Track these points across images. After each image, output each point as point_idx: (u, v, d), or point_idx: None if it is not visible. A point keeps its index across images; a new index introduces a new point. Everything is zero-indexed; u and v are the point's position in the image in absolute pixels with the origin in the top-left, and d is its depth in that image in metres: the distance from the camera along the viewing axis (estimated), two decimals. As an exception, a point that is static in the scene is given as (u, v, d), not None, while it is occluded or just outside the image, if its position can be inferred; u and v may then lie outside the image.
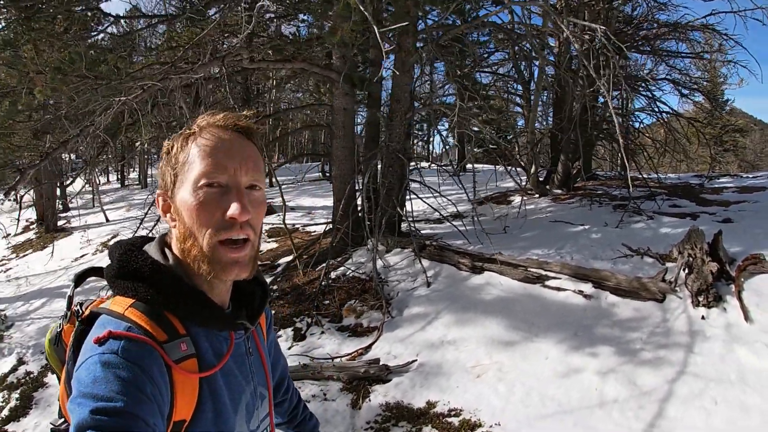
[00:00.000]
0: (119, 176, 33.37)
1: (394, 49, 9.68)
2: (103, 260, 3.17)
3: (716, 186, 12.65)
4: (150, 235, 6.78)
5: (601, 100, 11.65)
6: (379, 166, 9.80)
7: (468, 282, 7.76)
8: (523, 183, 12.17)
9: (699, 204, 10.24)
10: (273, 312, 7.96)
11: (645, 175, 12.56)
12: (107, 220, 18.83)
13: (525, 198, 11.15)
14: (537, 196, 12.20)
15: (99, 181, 29.65)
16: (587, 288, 6.85)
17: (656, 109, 13.66)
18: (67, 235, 17.73)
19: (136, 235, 6.77)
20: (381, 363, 6.33)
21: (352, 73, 9.97)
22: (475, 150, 13.73)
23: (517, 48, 11.42)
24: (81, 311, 1.25)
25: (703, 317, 5.92)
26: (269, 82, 19.58)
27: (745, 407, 4.69)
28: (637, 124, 15.40)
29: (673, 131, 14.57)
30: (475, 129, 10.97)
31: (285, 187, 21.09)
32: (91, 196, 23.06)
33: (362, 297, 8.11)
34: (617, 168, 15.00)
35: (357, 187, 9.85)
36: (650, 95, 13.70)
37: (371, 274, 8.33)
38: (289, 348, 7.19)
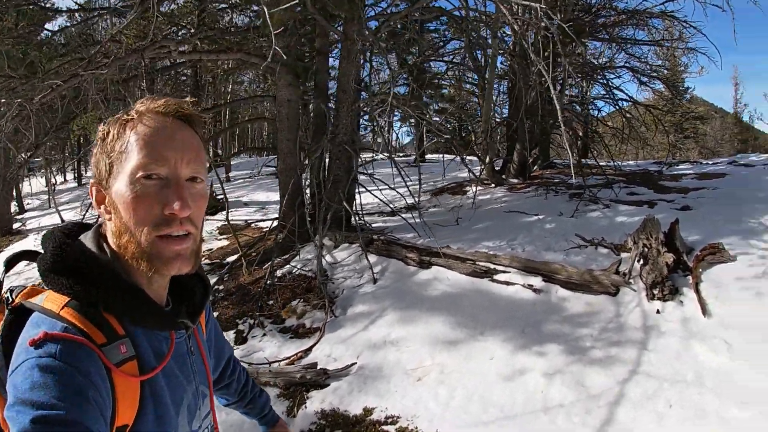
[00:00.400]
0: (76, 175, 32.39)
1: (340, 38, 9.26)
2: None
3: (675, 173, 12.42)
4: (86, 221, 6.19)
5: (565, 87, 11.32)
6: (327, 160, 9.36)
7: (415, 277, 7.33)
8: (479, 173, 11.77)
9: (657, 191, 9.95)
10: (216, 314, 7.53)
11: (603, 163, 12.31)
12: (62, 221, 17.96)
13: (480, 188, 10.80)
14: (493, 185, 11.82)
15: (55, 180, 28.86)
16: (537, 282, 6.45)
17: (614, 97, 13.42)
18: (22, 237, 16.98)
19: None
20: (319, 367, 5.86)
21: (295, 63, 9.50)
22: (432, 140, 13.35)
23: (473, 36, 11.03)
24: (11, 299, 1.16)
25: (658, 311, 5.55)
26: (218, 73, 19.06)
27: (701, 411, 4.30)
28: (596, 113, 15.23)
29: (632, 119, 14.37)
30: (434, 119, 10.58)
31: (241, 182, 20.67)
32: (47, 196, 22.29)
33: (306, 296, 7.67)
34: (575, 156, 14.73)
35: (306, 182, 9.38)
36: (607, 83, 13.48)
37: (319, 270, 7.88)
38: (230, 352, 6.69)
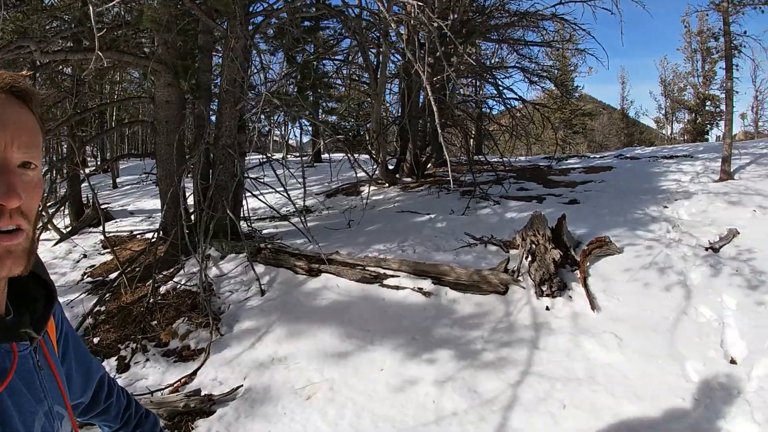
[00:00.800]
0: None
1: (222, 35, 8.74)
2: None
3: (564, 167, 12.68)
4: None
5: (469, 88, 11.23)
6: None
7: (304, 287, 6.92)
8: (372, 172, 11.53)
9: (546, 186, 10.06)
10: (97, 339, 6.84)
11: (496, 160, 12.37)
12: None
13: (374, 188, 10.57)
14: (387, 185, 11.61)
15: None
16: (427, 285, 6.21)
17: (504, 97, 13.55)
18: None
19: None
20: (204, 393, 5.35)
21: (175, 61, 8.89)
22: (326, 140, 12.97)
23: (359, 34, 10.75)
24: None
25: (547, 308, 5.46)
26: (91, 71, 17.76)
27: (595, 409, 4.18)
28: (489, 111, 15.37)
29: (525, 117, 14.58)
30: (331, 118, 10.22)
31: (128, 188, 19.46)
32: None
33: (191, 314, 7.05)
34: (470, 153, 14.78)
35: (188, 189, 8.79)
36: (496, 83, 13.59)
37: (205, 285, 7.30)
38: (112, 382, 6.02)
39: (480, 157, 13.56)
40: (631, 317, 5.14)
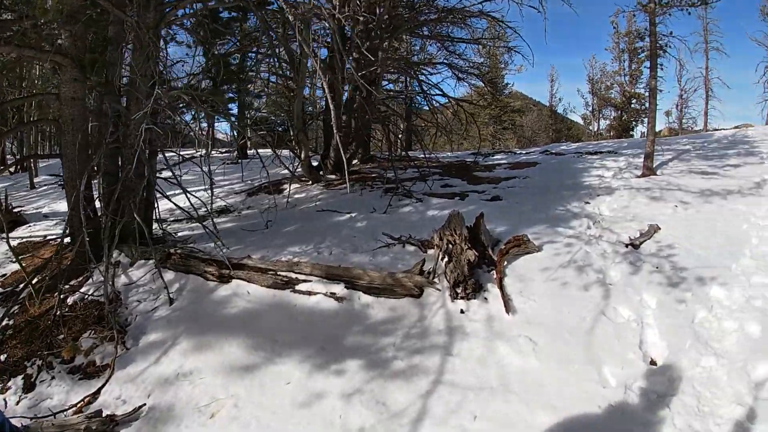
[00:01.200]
0: None
1: (132, 26, 8.17)
2: None
3: (490, 163, 12.61)
4: None
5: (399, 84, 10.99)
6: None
7: (213, 295, 6.48)
8: (295, 169, 11.09)
9: (470, 182, 9.91)
10: (4, 356, 6.24)
11: (423, 155, 12.16)
12: None
13: (296, 186, 10.23)
14: (310, 183, 11.20)
15: None
16: (339, 289, 5.87)
17: (431, 93, 13.35)
18: None
19: None
20: (107, 413, 4.91)
21: (82, 55, 8.28)
22: (250, 136, 12.45)
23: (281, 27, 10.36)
24: None
25: (462, 311, 5.25)
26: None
27: (508, 420, 3.97)
28: (419, 107, 15.20)
29: (454, 113, 14.44)
30: (260, 113, 9.77)
31: (45, 189, 18.41)
32: None
33: (98, 327, 6.51)
34: (393, 150, 14.51)
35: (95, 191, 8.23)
36: (417, 78, 13.36)
37: (111, 295, 6.76)
38: (17, 403, 5.47)
39: (409, 152, 13.35)
40: (547, 319, 4.98)
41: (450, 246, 5.74)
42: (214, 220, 8.51)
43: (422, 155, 12.38)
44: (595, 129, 30.67)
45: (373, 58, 10.97)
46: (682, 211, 7.76)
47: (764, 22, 23.58)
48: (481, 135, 16.05)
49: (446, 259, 5.69)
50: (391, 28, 11.45)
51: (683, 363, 4.38)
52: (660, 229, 7.07)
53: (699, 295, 5.30)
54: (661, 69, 21.40)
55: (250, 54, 13.11)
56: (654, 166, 10.43)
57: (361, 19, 10.98)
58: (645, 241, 6.71)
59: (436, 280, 5.66)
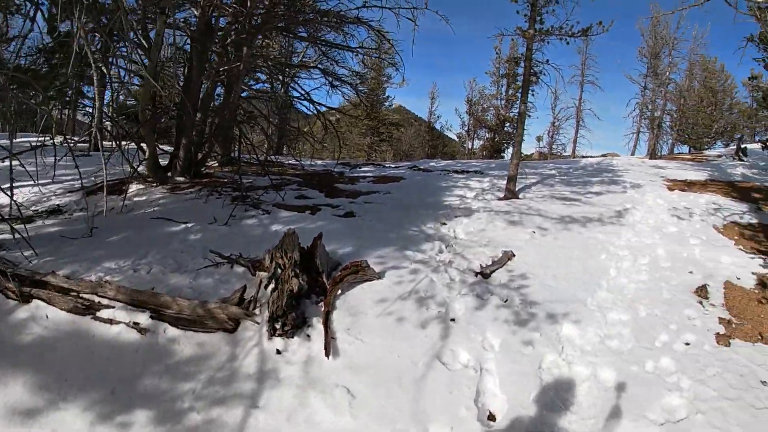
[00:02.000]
0: None
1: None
2: None
3: (357, 174, 12.07)
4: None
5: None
6: None
7: (11, 317, 5.21)
8: (138, 167, 9.94)
9: (329, 195, 9.27)
10: None
11: (294, 161, 11.44)
12: None
13: (140, 187, 9.17)
14: (155, 184, 10.01)
15: None
16: (144, 319, 4.93)
17: (294, 96, 12.68)
18: None
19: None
20: None
21: None
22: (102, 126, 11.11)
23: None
24: None
25: (278, 351, 4.52)
26: None
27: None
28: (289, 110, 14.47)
29: (323, 122, 13.81)
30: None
31: None
32: None
33: None
34: (265, 154, 13.63)
35: None
36: (285, 81, 12.69)
37: None
38: None
39: (278, 157, 12.59)
40: (373, 364, 4.35)
41: (279, 270, 5.00)
42: (44, 221, 7.40)
43: (292, 161, 11.66)
44: (470, 147, 31.25)
45: (238, 54, 10.15)
46: (540, 238, 7.54)
47: (641, 62, 25.00)
48: (356, 145, 15.54)
49: (272, 285, 4.95)
50: (259, 25, 10.61)
51: (525, 420, 3.93)
52: (514, 256, 6.77)
53: (549, 335, 4.92)
54: (533, 95, 22.07)
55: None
56: (517, 189, 10.31)
57: (230, 10, 10.12)
58: (497, 269, 6.35)
59: (257, 311, 4.90)
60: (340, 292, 5.07)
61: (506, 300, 5.53)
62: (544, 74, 11.31)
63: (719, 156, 19.39)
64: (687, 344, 4.99)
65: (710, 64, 28.40)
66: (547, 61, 11.15)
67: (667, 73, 21.88)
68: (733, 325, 5.40)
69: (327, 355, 4.35)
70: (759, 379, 4.44)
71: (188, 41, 10.92)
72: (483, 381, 4.30)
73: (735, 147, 18.84)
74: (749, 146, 19.48)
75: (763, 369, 4.61)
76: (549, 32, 10.53)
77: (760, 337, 5.21)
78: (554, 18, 16.72)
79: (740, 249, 7.52)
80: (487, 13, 61.66)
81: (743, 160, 17.24)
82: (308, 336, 4.65)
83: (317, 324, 4.74)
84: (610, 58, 59.78)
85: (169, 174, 10.33)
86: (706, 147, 27.04)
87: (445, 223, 7.95)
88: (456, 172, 12.97)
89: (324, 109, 13.17)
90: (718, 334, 5.21)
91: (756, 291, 6.23)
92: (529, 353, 4.64)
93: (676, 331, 5.18)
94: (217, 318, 4.78)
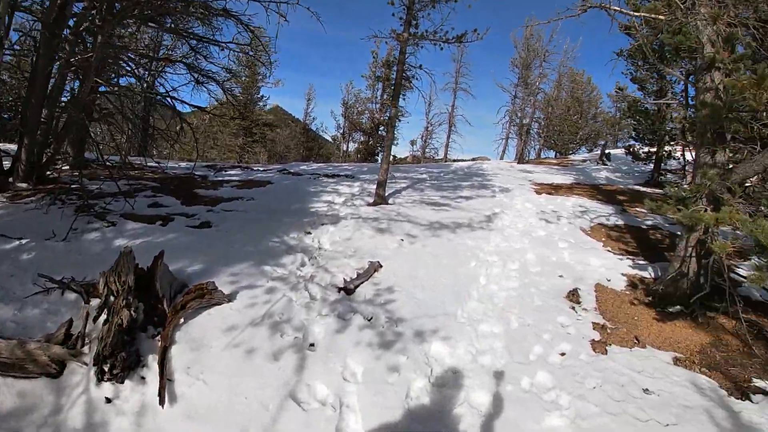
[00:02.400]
0: None
1: None
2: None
3: (221, 178, 11.46)
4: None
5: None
6: None
7: None
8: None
9: (186, 202, 8.61)
10: None
11: (153, 164, 10.64)
12: None
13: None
14: (-4, 192, 8.77)
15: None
16: (-49, 363, 4.10)
17: (167, 95, 11.81)
18: None
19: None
20: None
21: None
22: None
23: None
24: None
25: (108, 400, 3.88)
26: None
27: None
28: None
29: (183, 121, 13.02)
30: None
31: None
32: None
33: None
34: (123, 154, 12.58)
35: None
36: (138, 74, 11.84)
37: None
38: None
39: (142, 161, 11.70)
40: (216, 410, 3.84)
41: (112, 298, 4.40)
42: None
43: (152, 164, 10.84)
44: (345, 150, 31.28)
45: (90, 42, 9.25)
46: (409, 246, 7.37)
47: (513, 72, 26.35)
48: (197, 147, 14.69)
49: (104, 316, 4.33)
50: (120, 11, 9.71)
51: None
52: (381, 266, 6.55)
53: (416, 357, 4.63)
54: (404, 99, 22.49)
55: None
56: (387, 194, 10.16)
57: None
58: (362, 282, 6.08)
59: (86, 349, 4.22)
60: (183, 320, 4.51)
61: (371, 318, 5.24)
62: (417, 79, 11.32)
63: (584, 160, 20.50)
64: (563, 354, 4.94)
65: (578, 76, 30.53)
66: (420, 66, 11.15)
67: (537, 83, 23.02)
68: (608, 330, 5.44)
69: (161, 403, 3.79)
70: (640, 387, 4.42)
71: (38, 27, 9.83)
72: (343, 420, 3.88)
73: (599, 152, 20.05)
74: (612, 152, 20.81)
75: (643, 375, 4.61)
76: (423, 36, 10.48)
77: (636, 341, 5.27)
78: (429, 23, 16.84)
79: (608, 250, 7.75)
80: (369, 15, 62.24)
81: (607, 165, 18.29)
82: (143, 378, 4.07)
83: (153, 363, 4.16)
84: (485, 67, 62.07)
85: (11, 179, 9.14)
86: (571, 152, 28.76)
87: (309, 233, 7.61)
88: (327, 176, 12.69)
89: (188, 108, 12.44)
90: (593, 341, 5.21)
91: (627, 292, 6.39)
92: (395, 381, 4.31)
93: (550, 342, 5.13)
94: (38, 361, 4.04)
